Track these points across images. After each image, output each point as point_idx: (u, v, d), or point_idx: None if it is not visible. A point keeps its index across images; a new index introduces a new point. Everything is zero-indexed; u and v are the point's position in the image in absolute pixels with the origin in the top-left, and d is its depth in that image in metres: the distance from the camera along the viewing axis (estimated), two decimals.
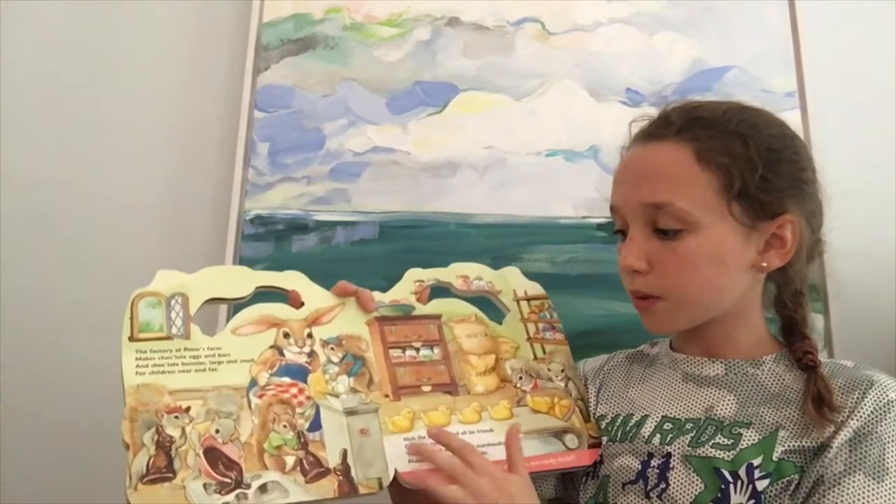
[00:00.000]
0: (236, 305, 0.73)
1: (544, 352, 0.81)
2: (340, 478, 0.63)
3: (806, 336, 0.71)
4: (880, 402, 0.64)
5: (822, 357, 0.70)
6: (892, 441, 0.62)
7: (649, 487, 0.68)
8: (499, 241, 1.23)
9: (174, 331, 0.66)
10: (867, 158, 1.22)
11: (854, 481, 0.61)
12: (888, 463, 0.61)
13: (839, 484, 0.61)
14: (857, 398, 0.64)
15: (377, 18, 1.34)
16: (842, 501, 0.61)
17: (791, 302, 0.72)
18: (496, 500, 0.62)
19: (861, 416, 0.63)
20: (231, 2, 1.40)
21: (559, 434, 0.74)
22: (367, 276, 0.82)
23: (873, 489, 0.60)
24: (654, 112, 0.75)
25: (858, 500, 0.60)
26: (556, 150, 1.27)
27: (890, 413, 0.63)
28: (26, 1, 1.43)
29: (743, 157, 0.67)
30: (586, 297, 1.15)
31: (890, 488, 0.60)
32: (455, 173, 1.27)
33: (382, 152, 1.28)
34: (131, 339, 0.66)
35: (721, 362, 0.72)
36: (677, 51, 1.30)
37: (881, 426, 0.63)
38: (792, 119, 1.18)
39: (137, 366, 0.64)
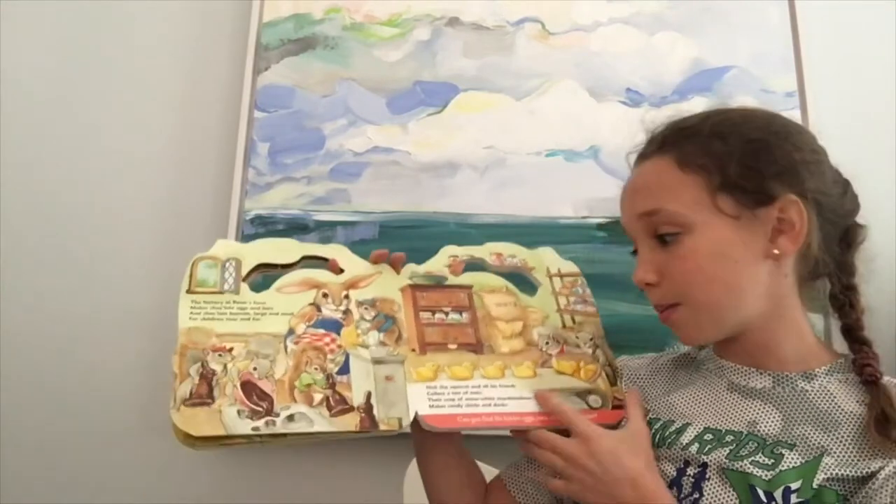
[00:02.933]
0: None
1: (574, 322, 0.82)
2: (363, 415, 0.68)
3: (864, 342, 0.68)
4: None
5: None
6: None
7: (683, 496, 0.66)
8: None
9: (226, 287, 0.74)
10: (867, 158, 1.22)
11: None
12: None
13: None
14: None
15: (377, 18, 1.34)
16: None
17: (841, 299, 0.70)
18: (585, 464, 0.64)
19: None
20: (231, 2, 1.40)
21: (582, 394, 0.75)
22: None
23: None
24: (645, 134, 0.77)
25: None
26: (556, 150, 1.27)
27: None
28: (27, 1, 1.43)
29: (721, 152, 0.68)
30: None
31: None
32: (455, 173, 1.27)
33: (382, 152, 1.28)
34: (188, 291, 0.73)
35: (769, 374, 0.70)
36: (677, 51, 1.30)
37: None
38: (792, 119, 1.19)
39: (191, 313, 0.71)
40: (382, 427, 0.67)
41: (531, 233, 1.23)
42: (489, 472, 0.83)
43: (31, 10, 1.43)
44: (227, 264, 0.75)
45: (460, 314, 0.79)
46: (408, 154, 1.28)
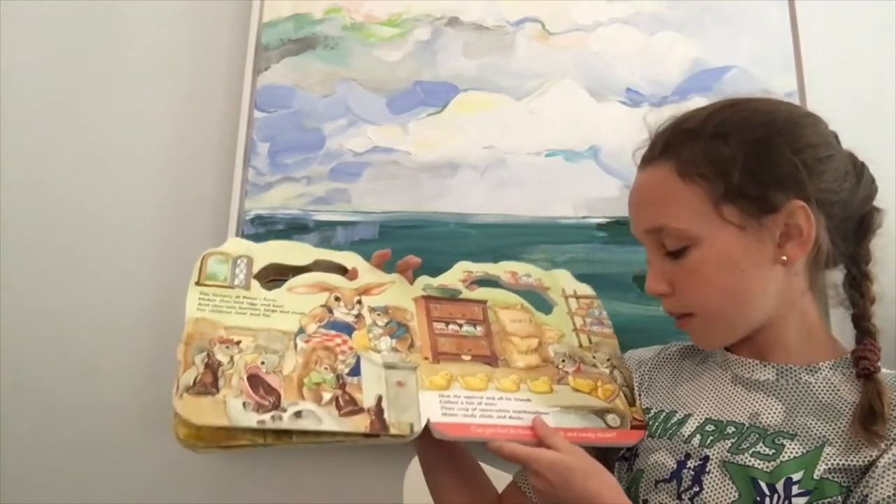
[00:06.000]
0: None
1: (590, 342, 0.81)
2: (373, 417, 0.66)
3: (867, 332, 0.67)
4: None
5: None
6: None
7: (682, 489, 0.65)
8: (499, 241, 1.23)
9: (237, 282, 0.73)
10: (867, 159, 1.21)
11: None
12: None
13: None
14: None
15: (377, 18, 1.34)
16: None
17: (852, 288, 0.69)
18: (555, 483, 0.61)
19: None
20: (231, 2, 1.40)
21: (600, 413, 0.73)
22: None
23: None
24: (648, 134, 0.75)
25: None
26: (556, 150, 1.27)
27: None
28: (26, 1, 1.43)
29: (724, 158, 0.66)
30: None
31: None
32: (455, 173, 1.27)
33: (382, 152, 1.28)
34: (197, 283, 0.71)
35: (773, 367, 0.69)
36: (677, 51, 1.30)
37: None
38: None
39: (199, 304, 0.70)
40: (393, 431, 0.65)
41: (531, 233, 1.23)
42: (504, 477, 0.82)
43: (31, 11, 1.43)
44: (239, 261, 0.74)
45: (474, 327, 0.78)
46: (408, 154, 1.28)
